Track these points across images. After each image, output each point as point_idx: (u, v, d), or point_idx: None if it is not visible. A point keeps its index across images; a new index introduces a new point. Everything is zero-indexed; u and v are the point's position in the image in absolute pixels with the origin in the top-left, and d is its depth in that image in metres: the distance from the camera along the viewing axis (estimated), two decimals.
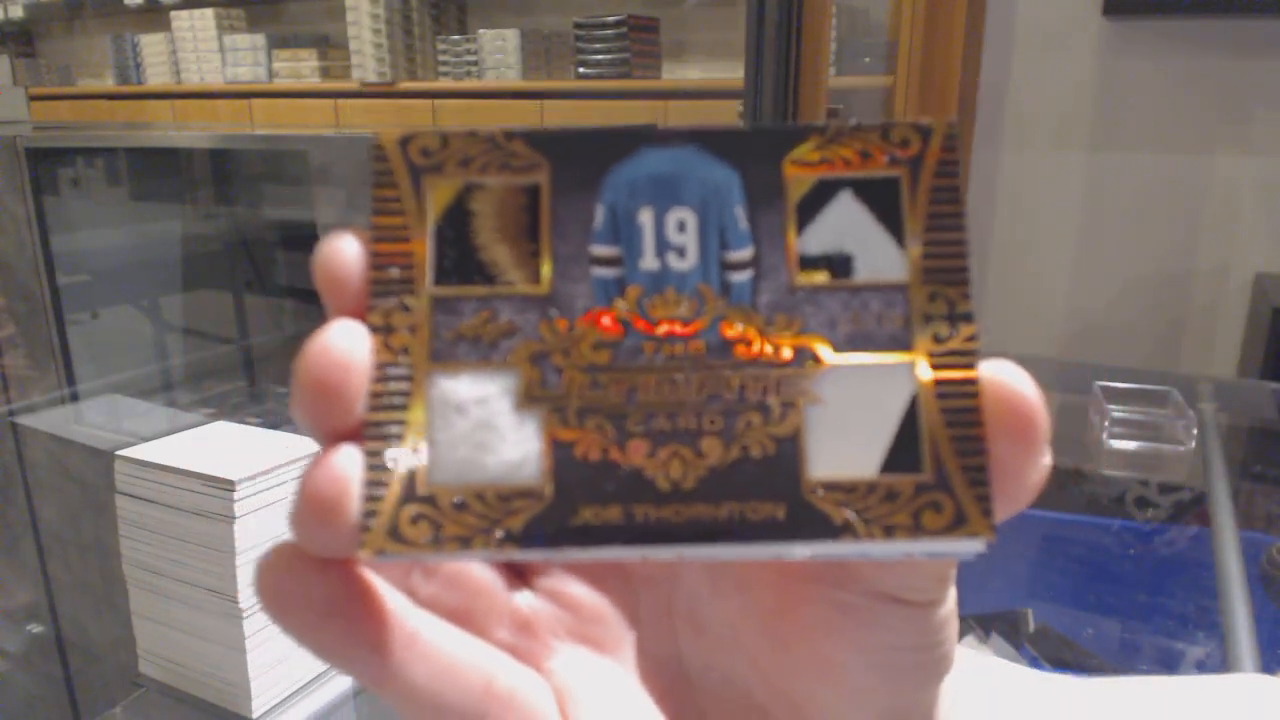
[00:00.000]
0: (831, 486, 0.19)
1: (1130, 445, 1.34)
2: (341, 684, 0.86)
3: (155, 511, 0.82)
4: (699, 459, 0.19)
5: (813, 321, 0.20)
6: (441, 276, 0.20)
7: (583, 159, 0.21)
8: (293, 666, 0.85)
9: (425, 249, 0.20)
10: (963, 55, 2.44)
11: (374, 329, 0.20)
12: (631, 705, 0.24)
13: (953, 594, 0.23)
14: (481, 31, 3.80)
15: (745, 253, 0.20)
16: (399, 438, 0.19)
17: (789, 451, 0.19)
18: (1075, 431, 1.46)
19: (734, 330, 0.20)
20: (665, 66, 3.60)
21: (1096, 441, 1.36)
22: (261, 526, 0.80)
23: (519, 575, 0.25)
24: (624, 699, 0.24)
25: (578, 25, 3.55)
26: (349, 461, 0.19)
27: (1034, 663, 0.88)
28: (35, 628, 1.32)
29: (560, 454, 0.19)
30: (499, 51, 3.76)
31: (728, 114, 2.68)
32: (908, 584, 0.22)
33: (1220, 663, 0.82)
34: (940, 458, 0.19)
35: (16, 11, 5.17)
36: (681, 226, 0.20)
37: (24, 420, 1.36)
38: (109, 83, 4.95)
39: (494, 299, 0.20)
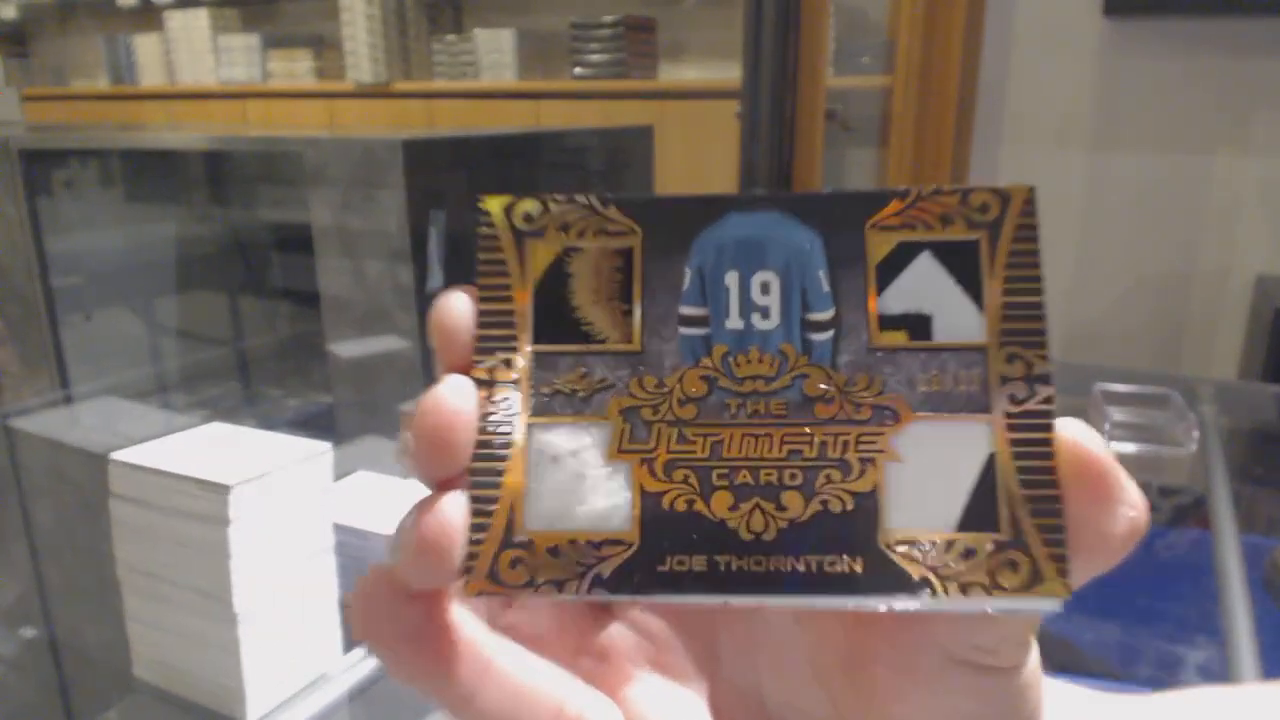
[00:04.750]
0: (908, 542, 0.20)
1: (1130, 448, 1.33)
2: (336, 689, 0.86)
3: (150, 515, 0.81)
4: (780, 512, 0.20)
5: (891, 381, 0.21)
6: (541, 334, 0.22)
7: (672, 224, 0.22)
8: (287, 671, 0.84)
9: (527, 308, 0.22)
10: (962, 55, 2.44)
11: (479, 382, 0.21)
12: None
13: (1034, 659, 0.22)
14: (477, 31, 3.80)
15: (827, 314, 0.21)
16: (499, 485, 0.21)
17: (867, 507, 0.20)
18: None
19: (815, 388, 0.21)
20: (662, 67, 3.60)
21: None
22: (256, 530, 0.79)
23: (604, 605, 0.26)
24: None
25: (574, 25, 3.55)
26: (456, 508, 0.20)
27: None
28: (29, 631, 1.31)
29: (648, 504, 0.21)
30: (495, 52, 3.76)
31: (725, 115, 2.68)
32: (982, 647, 0.21)
33: (1221, 667, 0.81)
34: (1017, 517, 0.20)
35: (10, 12, 5.16)
36: (765, 288, 0.22)
37: (17, 423, 1.35)
38: (103, 84, 4.95)
39: (589, 356, 0.22)
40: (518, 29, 3.74)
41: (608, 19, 3.47)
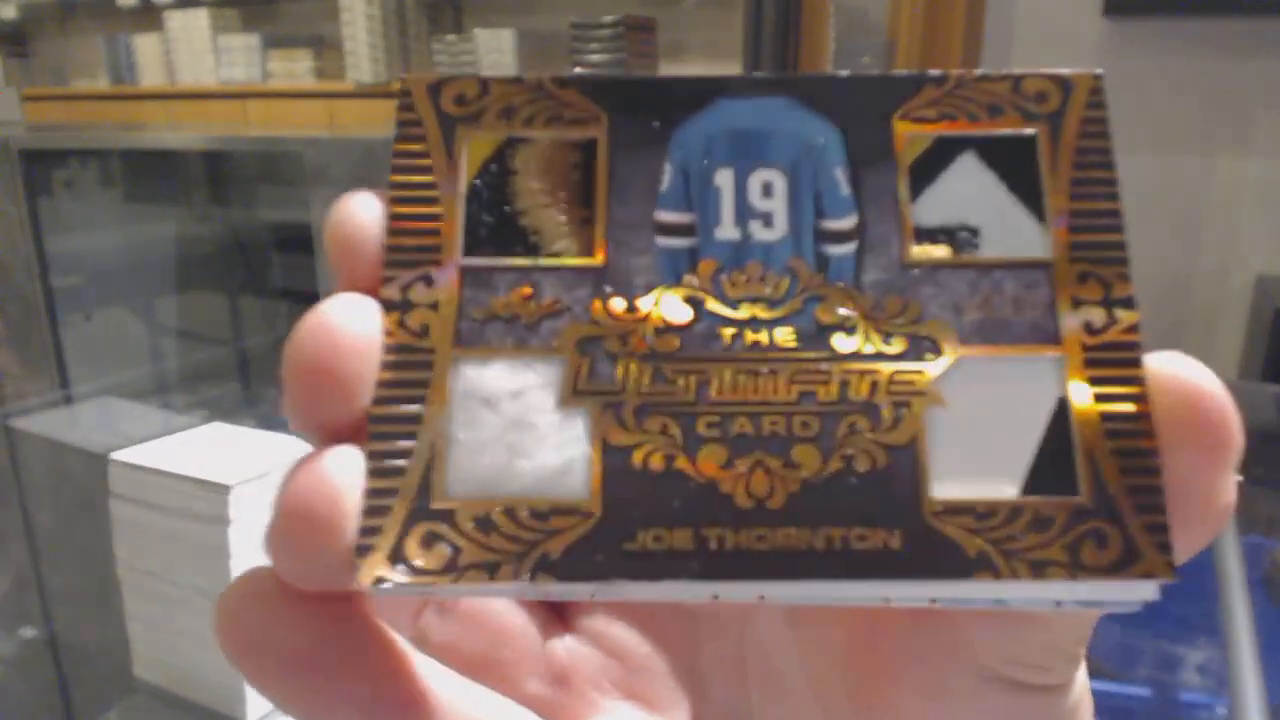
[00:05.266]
0: (961, 509, 0.15)
1: None
2: None
3: (149, 515, 0.81)
4: (790, 471, 0.15)
5: (932, 305, 0.16)
6: (474, 245, 0.17)
7: (648, 111, 0.17)
8: None
9: (456, 212, 0.17)
10: (962, 55, 2.44)
11: (388, 305, 0.16)
12: None
13: (1083, 678, 0.18)
14: (477, 31, 3.80)
15: (847, 221, 0.17)
16: (411, 437, 0.15)
17: (905, 464, 0.15)
18: None
19: (833, 314, 0.16)
20: (662, 67, 3.60)
21: None
22: (256, 530, 0.79)
23: (557, 613, 0.21)
24: None
25: (574, 25, 3.55)
26: (346, 466, 0.15)
27: None
28: (29, 631, 1.31)
29: (613, 462, 0.16)
30: (495, 52, 3.75)
31: None
32: (1024, 660, 0.17)
33: (1221, 667, 0.81)
34: (1101, 476, 0.15)
35: (9, 12, 5.16)
36: (768, 190, 0.17)
37: (18, 423, 1.35)
38: (102, 83, 4.95)
39: (536, 272, 0.17)
40: (518, 29, 3.73)
41: (608, 19, 3.46)
